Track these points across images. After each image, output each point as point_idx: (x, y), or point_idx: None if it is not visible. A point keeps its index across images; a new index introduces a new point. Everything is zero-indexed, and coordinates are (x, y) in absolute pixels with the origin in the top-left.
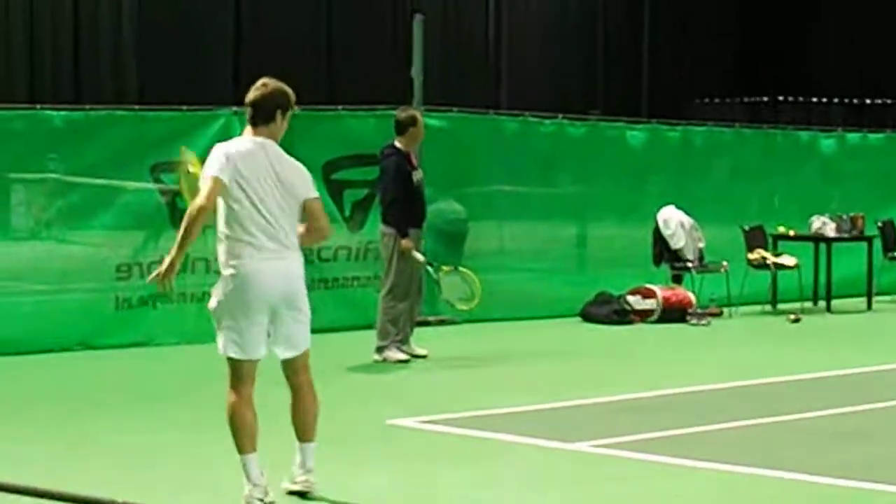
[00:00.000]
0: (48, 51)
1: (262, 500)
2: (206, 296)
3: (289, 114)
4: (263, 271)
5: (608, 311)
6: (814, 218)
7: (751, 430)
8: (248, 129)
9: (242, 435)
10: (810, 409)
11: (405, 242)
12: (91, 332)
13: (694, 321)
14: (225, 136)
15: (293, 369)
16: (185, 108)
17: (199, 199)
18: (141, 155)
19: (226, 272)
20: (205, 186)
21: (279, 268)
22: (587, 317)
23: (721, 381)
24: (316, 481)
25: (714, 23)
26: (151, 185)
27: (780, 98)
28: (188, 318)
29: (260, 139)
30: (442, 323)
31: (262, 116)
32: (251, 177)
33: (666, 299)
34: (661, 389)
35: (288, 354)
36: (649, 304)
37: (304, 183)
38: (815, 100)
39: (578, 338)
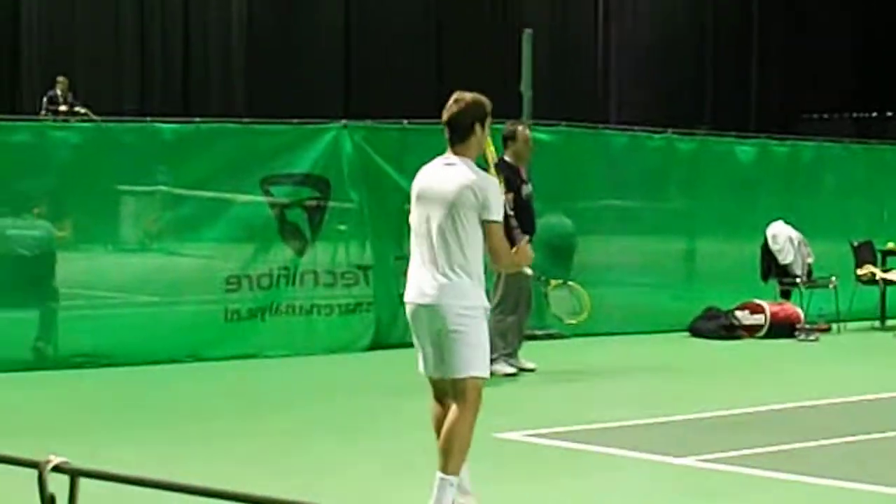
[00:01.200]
0: (158, 64)
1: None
2: (313, 308)
3: (488, 122)
4: (410, 297)
5: (716, 326)
6: None
7: (858, 446)
8: (448, 147)
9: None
10: None
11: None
12: (200, 343)
13: (802, 337)
14: (335, 149)
15: (451, 392)
16: (295, 121)
17: None
18: (250, 168)
19: None
20: None
21: (423, 293)
22: (695, 332)
23: (829, 398)
24: None
25: (824, 38)
26: (261, 198)
27: (889, 113)
28: (297, 330)
29: (451, 158)
30: (550, 337)
31: (458, 134)
32: (416, 207)
33: (774, 315)
34: (768, 405)
35: (439, 374)
36: (757, 319)
37: (472, 203)
38: None
39: (686, 353)
